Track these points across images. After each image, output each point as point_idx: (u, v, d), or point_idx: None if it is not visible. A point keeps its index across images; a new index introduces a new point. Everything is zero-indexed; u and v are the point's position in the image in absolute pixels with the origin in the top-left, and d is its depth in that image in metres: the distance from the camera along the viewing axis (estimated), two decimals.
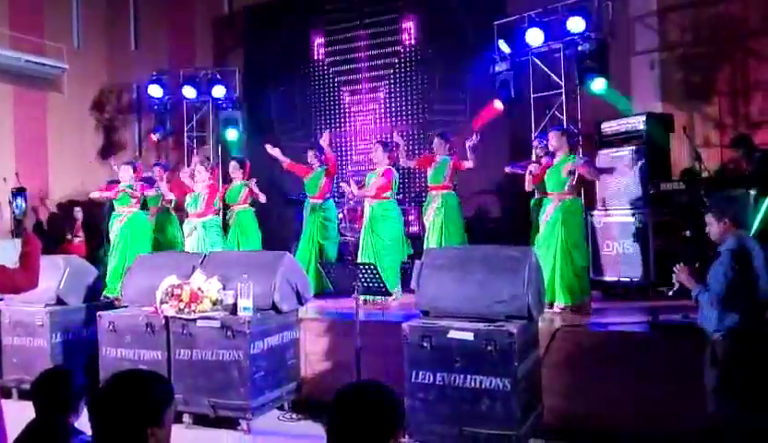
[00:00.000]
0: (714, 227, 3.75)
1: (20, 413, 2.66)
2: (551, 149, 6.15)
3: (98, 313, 5.37)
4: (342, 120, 10.22)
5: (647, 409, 4.34)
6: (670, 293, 4.02)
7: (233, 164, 7.73)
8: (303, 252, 7.35)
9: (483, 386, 3.98)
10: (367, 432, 1.68)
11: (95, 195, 7.98)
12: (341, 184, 7.94)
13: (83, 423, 2.18)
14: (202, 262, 5.36)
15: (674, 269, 3.80)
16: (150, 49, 11.83)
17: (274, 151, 7.62)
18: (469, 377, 4.03)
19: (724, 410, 3.55)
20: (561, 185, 5.84)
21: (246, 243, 7.45)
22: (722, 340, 3.59)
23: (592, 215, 6.96)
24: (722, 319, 3.58)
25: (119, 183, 7.68)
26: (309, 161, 7.60)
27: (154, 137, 10.71)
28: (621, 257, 6.67)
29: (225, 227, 7.80)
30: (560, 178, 5.84)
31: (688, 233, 6.10)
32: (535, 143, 7.55)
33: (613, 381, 4.49)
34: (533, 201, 6.96)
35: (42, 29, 10.86)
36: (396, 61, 9.78)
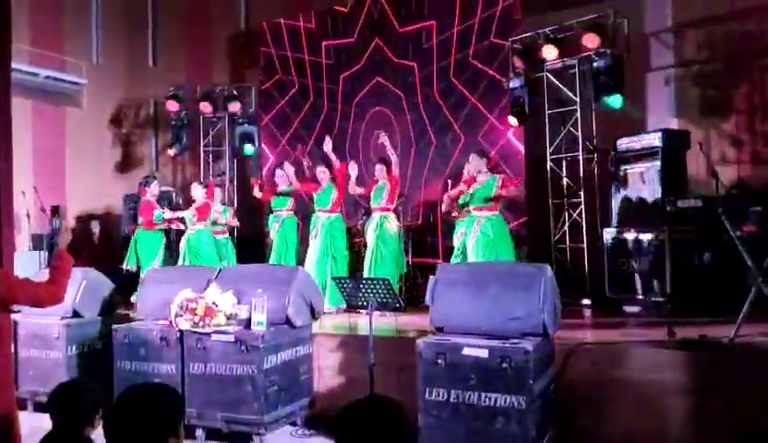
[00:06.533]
0: None
1: (36, 426, 2.68)
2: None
3: (113, 326, 5.41)
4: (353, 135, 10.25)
5: (664, 426, 4.28)
6: None
7: (278, 172, 7.95)
8: (319, 266, 7.36)
9: (497, 404, 3.94)
10: None
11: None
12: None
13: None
14: (217, 276, 5.38)
15: None
16: (167, 65, 12.01)
17: (328, 148, 7.61)
18: (483, 394, 3.98)
19: None
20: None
21: (285, 251, 7.72)
22: None
23: (605, 232, 6.91)
24: None
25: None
26: (318, 177, 7.63)
27: (171, 151, 10.83)
28: (636, 274, 6.61)
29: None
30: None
31: (707, 255, 6.00)
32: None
33: (631, 399, 4.43)
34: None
35: (62, 45, 11.03)
36: (410, 78, 9.77)
